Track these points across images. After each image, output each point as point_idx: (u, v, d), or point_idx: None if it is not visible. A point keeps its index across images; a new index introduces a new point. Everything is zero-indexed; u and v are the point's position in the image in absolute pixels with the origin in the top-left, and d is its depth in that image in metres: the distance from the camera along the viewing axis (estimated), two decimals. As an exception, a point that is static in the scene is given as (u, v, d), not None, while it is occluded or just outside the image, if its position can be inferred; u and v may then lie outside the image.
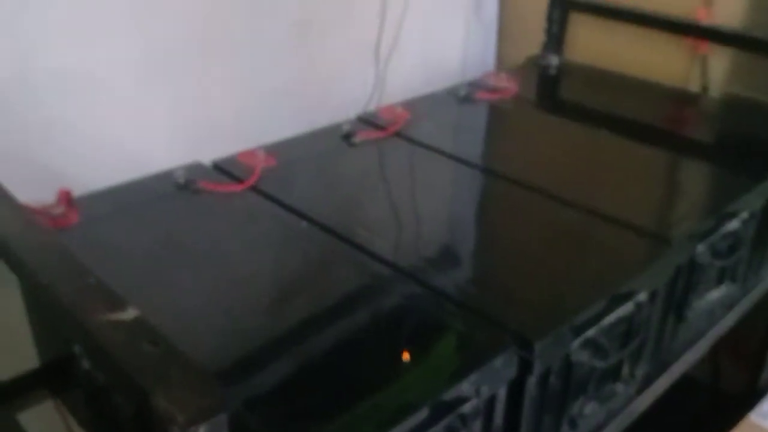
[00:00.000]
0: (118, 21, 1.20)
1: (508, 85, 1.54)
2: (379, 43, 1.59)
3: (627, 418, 1.06)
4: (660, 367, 1.12)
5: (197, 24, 1.30)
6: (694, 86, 1.63)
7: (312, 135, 1.31)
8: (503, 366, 0.80)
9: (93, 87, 1.20)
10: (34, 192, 1.03)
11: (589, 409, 0.97)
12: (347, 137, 1.29)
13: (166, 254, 0.99)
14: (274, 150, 1.22)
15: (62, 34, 1.14)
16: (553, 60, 1.69)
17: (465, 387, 0.76)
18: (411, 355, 0.81)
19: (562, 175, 1.23)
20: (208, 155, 1.21)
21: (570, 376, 0.91)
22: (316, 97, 1.53)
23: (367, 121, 1.36)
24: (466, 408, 0.77)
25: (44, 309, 0.91)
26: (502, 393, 0.83)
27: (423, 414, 0.73)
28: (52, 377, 0.99)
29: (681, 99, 1.62)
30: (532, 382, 0.85)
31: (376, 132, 1.32)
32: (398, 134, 1.32)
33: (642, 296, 0.98)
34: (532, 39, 1.73)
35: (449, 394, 0.75)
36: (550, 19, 1.69)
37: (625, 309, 0.96)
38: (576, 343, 0.89)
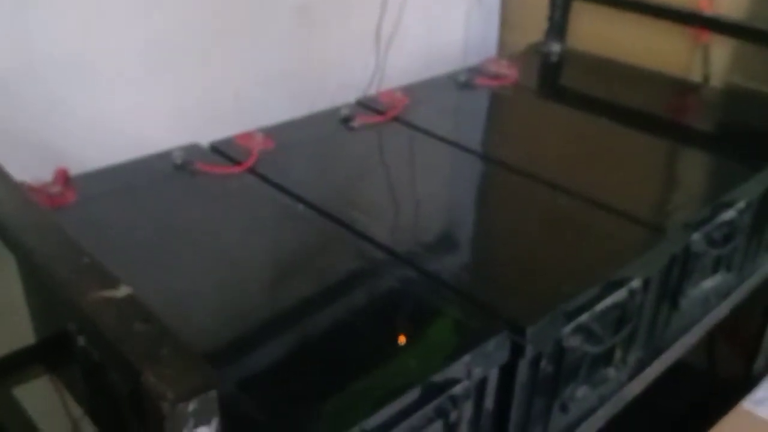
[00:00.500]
0: (120, 6, 1.20)
1: (508, 71, 1.54)
2: (380, 28, 1.58)
3: (619, 403, 1.07)
4: (653, 353, 1.13)
5: (198, 8, 1.30)
6: (695, 76, 1.63)
7: (310, 118, 1.31)
8: (495, 349, 0.80)
9: (94, 70, 1.20)
10: (34, 172, 1.03)
11: (580, 393, 0.97)
12: (346, 121, 1.29)
13: (162, 234, 0.99)
14: (272, 133, 1.22)
15: (65, 19, 1.15)
16: (555, 47, 1.69)
17: (456, 369, 0.77)
18: (405, 339, 0.82)
19: (560, 163, 1.23)
20: (207, 138, 1.21)
21: (562, 360, 0.91)
22: (316, 81, 1.53)
23: (366, 105, 1.36)
24: (457, 390, 0.78)
25: (40, 287, 0.92)
26: (493, 376, 0.84)
27: (414, 395, 0.73)
28: (48, 353, 1.00)
29: (682, 88, 1.61)
30: (523, 365, 0.85)
31: (375, 116, 1.32)
32: (397, 119, 1.32)
33: (636, 283, 0.98)
34: (534, 26, 1.72)
35: (440, 376, 0.76)
36: (552, 6, 1.69)
37: (619, 296, 0.96)
38: (568, 328, 0.89)
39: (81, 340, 0.86)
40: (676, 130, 1.41)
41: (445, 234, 1.07)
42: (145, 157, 1.13)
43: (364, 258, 0.96)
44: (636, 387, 1.11)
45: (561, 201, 1.11)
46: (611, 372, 1.03)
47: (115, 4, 1.19)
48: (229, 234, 1.00)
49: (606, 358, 1.02)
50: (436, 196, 1.17)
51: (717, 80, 1.62)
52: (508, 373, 0.85)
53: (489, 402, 0.85)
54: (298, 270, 0.96)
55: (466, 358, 0.78)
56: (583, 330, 0.92)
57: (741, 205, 1.16)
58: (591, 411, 1.02)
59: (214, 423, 0.51)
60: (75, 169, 1.08)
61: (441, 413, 0.76)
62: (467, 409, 0.81)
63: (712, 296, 1.23)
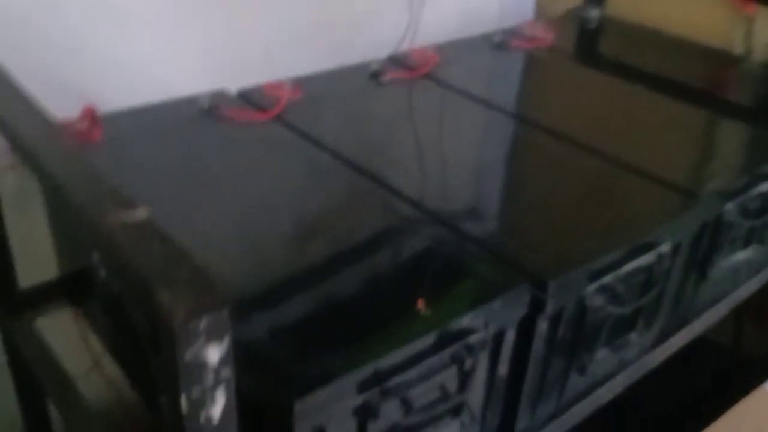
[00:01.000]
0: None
1: (544, 35, 1.51)
2: (414, -15, 1.56)
3: (639, 370, 1.05)
4: (678, 323, 1.11)
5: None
6: (737, 48, 1.58)
7: (340, 71, 1.29)
8: (513, 301, 0.79)
9: (123, 12, 1.20)
10: (59, 112, 1.03)
11: (600, 356, 0.96)
12: (375, 76, 1.28)
13: (185, 177, 0.99)
14: (301, 83, 1.21)
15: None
16: (594, 13, 1.65)
17: (473, 318, 0.76)
18: (427, 291, 0.80)
19: (593, 127, 1.21)
20: (235, 88, 1.21)
21: (583, 320, 0.90)
22: (347, 37, 1.51)
23: (396, 61, 1.34)
24: (473, 339, 0.77)
25: (64, 218, 0.93)
26: (511, 330, 0.83)
27: (429, 340, 0.73)
28: (71, 288, 1.01)
29: (723, 60, 1.57)
30: (543, 321, 0.84)
31: (406, 72, 1.30)
32: (428, 76, 1.31)
33: (664, 248, 0.96)
34: (573, -9, 1.69)
35: (456, 324, 0.75)
36: (592, -29, 1.65)
37: (646, 259, 0.94)
38: (592, 287, 0.88)
39: (102, 273, 0.87)
40: (715, 101, 1.37)
41: (473, 191, 1.06)
42: (173, 100, 1.13)
43: (389, 210, 0.95)
44: (658, 356, 1.09)
45: (593, 164, 1.09)
46: (633, 337, 1.01)
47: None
48: (253, 180, 1.00)
49: (629, 323, 1.00)
50: (465, 153, 1.15)
51: (760, 54, 1.57)
52: (527, 330, 0.84)
53: (506, 356, 0.84)
54: (321, 219, 0.95)
55: (483, 308, 0.77)
56: (608, 290, 0.90)
57: (778, 176, 1.13)
58: (610, 375, 1.01)
59: (226, 341, 0.51)
60: (101, 110, 1.08)
61: (456, 360, 0.76)
62: (483, 359, 0.80)
63: (743, 270, 1.20)
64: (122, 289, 0.79)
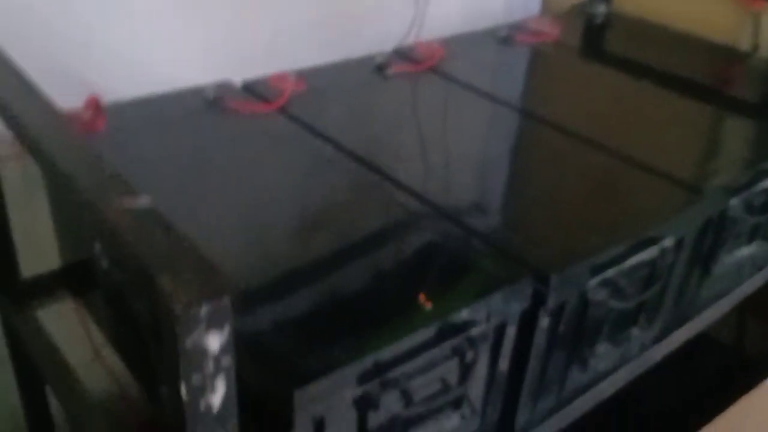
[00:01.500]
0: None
1: (550, 30, 1.50)
2: (420, -21, 1.55)
3: (641, 366, 1.05)
4: (680, 318, 1.10)
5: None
6: (743, 44, 1.57)
7: (344, 64, 1.29)
8: (515, 295, 0.79)
9: (126, 3, 1.20)
10: (65, 104, 1.03)
11: (602, 350, 0.95)
12: (381, 69, 1.27)
13: (188, 168, 0.99)
14: (305, 75, 1.20)
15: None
16: (601, 8, 1.64)
17: (474, 311, 0.76)
18: (430, 285, 0.80)
19: (598, 121, 1.20)
20: (240, 79, 1.20)
21: (585, 314, 0.89)
22: (353, 31, 1.51)
23: (402, 54, 1.34)
24: (475, 332, 0.76)
25: (67, 208, 0.93)
26: (513, 323, 0.82)
27: (430, 332, 0.72)
28: (73, 278, 1.01)
29: (729, 56, 1.56)
30: (545, 315, 0.84)
31: (411, 66, 1.30)
32: (433, 69, 1.30)
33: (668, 242, 0.96)
34: (580, -14, 1.68)
35: (457, 317, 0.74)
36: (599, -34, 1.64)
37: (649, 253, 0.94)
38: (594, 281, 0.87)
39: (104, 263, 0.87)
40: (720, 97, 1.36)
41: (478, 185, 1.05)
42: (177, 91, 1.13)
43: (393, 203, 0.95)
44: (660, 351, 1.08)
45: (598, 158, 1.08)
46: (635, 332, 1.01)
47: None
48: (257, 171, 1.00)
49: (631, 318, 1.00)
50: (470, 147, 1.15)
51: (766, 50, 1.56)
52: (529, 323, 0.84)
53: (507, 349, 0.83)
54: (324, 211, 0.95)
55: (485, 300, 0.76)
56: (610, 284, 0.90)
57: (783, 172, 1.12)
58: (611, 370, 1.00)
59: (227, 329, 0.51)
60: (105, 101, 1.08)
61: (457, 352, 0.75)
62: (484, 352, 0.80)
63: (747, 266, 1.20)
64: (124, 279, 0.79)
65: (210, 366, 0.51)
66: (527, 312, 0.82)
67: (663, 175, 1.04)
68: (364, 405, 0.70)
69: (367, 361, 0.68)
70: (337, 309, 0.77)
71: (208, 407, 0.53)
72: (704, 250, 1.07)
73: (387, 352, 0.69)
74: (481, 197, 1.02)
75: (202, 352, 0.50)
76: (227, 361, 0.52)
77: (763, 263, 1.23)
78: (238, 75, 1.21)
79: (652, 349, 1.06)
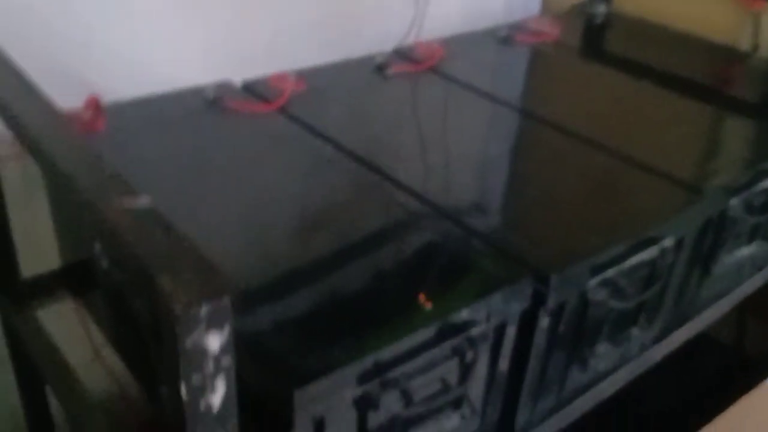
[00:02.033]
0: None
1: (550, 30, 1.50)
2: (420, -21, 1.55)
3: (641, 366, 1.05)
4: (680, 318, 1.10)
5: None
6: (743, 45, 1.57)
7: (345, 64, 1.29)
8: (515, 295, 0.79)
9: (126, 3, 1.20)
10: (65, 104, 1.03)
11: (602, 350, 0.95)
12: (380, 69, 1.28)
13: (188, 167, 0.99)
14: (305, 75, 1.21)
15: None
16: (601, 9, 1.64)
17: (474, 311, 0.76)
18: (430, 285, 0.80)
19: (598, 122, 1.20)
20: (240, 79, 1.20)
21: (585, 314, 0.89)
22: (353, 31, 1.51)
23: (402, 54, 1.34)
24: (475, 332, 0.76)
25: (67, 208, 0.93)
26: (513, 323, 0.82)
27: (430, 332, 0.72)
28: (73, 279, 1.01)
29: (729, 56, 1.56)
30: (545, 315, 0.84)
31: (411, 66, 1.30)
32: (433, 69, 1.30)
33: (668, 242, 0.96)
34: (580, -14, 1.68)
35: (457, 317, 0.74)
36: (599, -34, 1.64)
37: (649, 253, 0.94)
38: (594, 281, 0.88)
39: (104, 263, 0.87)
40: (720, 97, 1.36)
41: (478, 185, 1.05)
42: (177, 91, 1.13)
43: (393, 203, 0.95)
44: (660, 351, 1.08)
45: (598, 158, 1.08)
46: (635, 332, 1.01)
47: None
48: (257, 171, 1.00)
49: (631, 318, 1.00)
50: (470, 147, 1.15)
51: (766, 50, 1.56)
52: (529, 323, 0.84)
53: (507, 349, 0.83)
54: (324, 211, 0.95)
55: (485, 300, 0.76)
56: (610, 284, 0.90)
57: (783, 172, 1.12)
58: (611, 370, 1.00)
59: (227, 329, 0.51)
60: (105, 101, 1.08)
61: (457, 352, 0.75)
62: (484, 352, 0.80)
63: (747, 266, 1.20)
64: (124, 279, 0.79)
65: (210, 366, 0.51)
66: (527, 312, 0.82)
67: (663, 175, 1.04)
68: (364, 405, 0.70)
69: (367, 361, 0.68)
70: (337, 309, 0.77)
71: (208, 407, 0.53)
72: (704, 250, 1.07)
73: (387, 352, 0.69)
74: (481, 197, 1.02)
75: (202, 352, 0.50)
76: (227, 361, 0.52)
77: (763, 263, 1.23)
78: (238, 75, 1.21)
79: (652, 349, 1.06)
